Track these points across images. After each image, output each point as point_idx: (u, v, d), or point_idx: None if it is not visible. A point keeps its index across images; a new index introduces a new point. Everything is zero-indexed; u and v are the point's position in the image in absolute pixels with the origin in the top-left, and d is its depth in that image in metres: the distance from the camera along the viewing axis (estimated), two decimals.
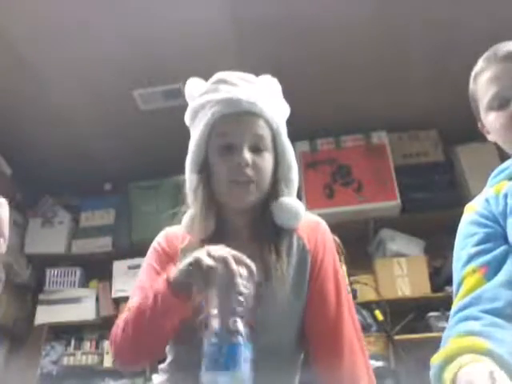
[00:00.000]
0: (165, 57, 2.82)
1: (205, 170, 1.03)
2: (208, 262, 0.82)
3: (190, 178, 1.06)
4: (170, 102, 3.11)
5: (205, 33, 2.67)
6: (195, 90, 1.11)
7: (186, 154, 1.11)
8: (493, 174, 1.09)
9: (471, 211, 1.03)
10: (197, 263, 0.83)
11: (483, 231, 0.97)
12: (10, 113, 3.15)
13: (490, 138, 1.08)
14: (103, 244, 3.65)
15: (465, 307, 0.89)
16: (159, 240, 1.11)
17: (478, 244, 0.95)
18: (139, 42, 2.70)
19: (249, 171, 0.98)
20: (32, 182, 3.70)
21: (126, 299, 3.32)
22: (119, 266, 3.49)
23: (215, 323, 0.79)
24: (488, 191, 1.05)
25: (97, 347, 3.45)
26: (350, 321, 1.01)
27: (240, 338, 0.78)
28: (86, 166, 3.69)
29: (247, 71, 1.11)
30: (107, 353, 3.35)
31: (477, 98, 1.07)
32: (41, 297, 3.53)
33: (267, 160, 1.02)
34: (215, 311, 0.80)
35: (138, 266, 3.37)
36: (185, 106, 1.14)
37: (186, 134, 1.31)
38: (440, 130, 3.49)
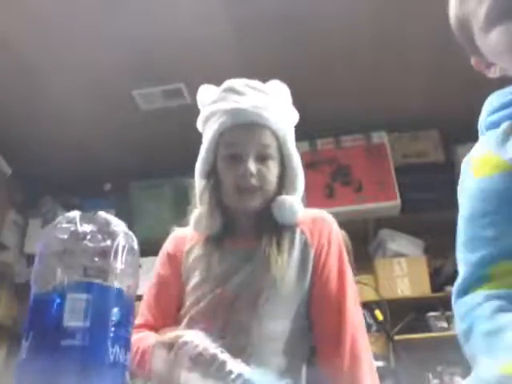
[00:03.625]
0: (165, 57, 2.82)
1: (213, 175, 1.10)
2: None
3: (198, 182, 1.13)
4: (169, 102, 3.11)
5: (205, 33, 2.67)
6: (206, 97, 1.15)
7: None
8: (490, 107, 0.81)
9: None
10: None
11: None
12: (10, 113, 3.15)
13: (493, 72, 0.83)
14: None
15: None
16: (166, 244, 1.17)
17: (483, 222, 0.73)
18: (139, 41, 2.70)
19: (253, 180, 1.04)
20: (32, 182, 3.70)
21: None
22: None
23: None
24: (489, 137, 0.78)
25: None
26: (354, 314, 1.04)
27: None
28: (86, 166, 3.70)
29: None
30: None
31: (467, 22, 0.80)
32: None
33: (272, 169, 1.08)
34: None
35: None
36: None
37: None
38: (440, 129, 3.49)
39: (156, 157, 3.55)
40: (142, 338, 1.01)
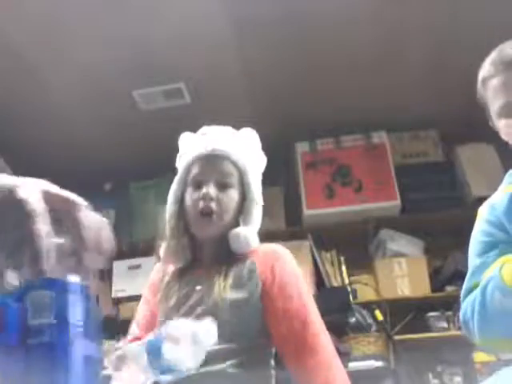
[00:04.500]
0: (165, 57, 2.82)
1: (180, 202, 1.23)
2: None
3: (168, 209, 1.25)
4: (170, 102, 3.10)
5: (205, 33, 2.66)
6: (184, 142, 1.31)
7: None
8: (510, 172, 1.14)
9: (481, 218, 1.13)
10: None
11: (485, 240, 1.08)
12: (10, 113, 3.15)
13: (503, 137, 1.14)
14: None
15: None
16: (152, 273, 1.32)
17: (480, 254, 1.08)
18: (139, 41, 2.70)
19: (213, 204, 1.15)
20: None
21: (125, 299, 3.36)
22: (119, 266, 3.48)
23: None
24: (498, 192, 1.12)
25: None
26: (323, 334, 1.11)
27: None
28: (86, 166, 3.69)
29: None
30: None
31: (486, 101, 1.13)
32: None
33: (231, 196, 1.18)
34: None
35: (138, 267, 3.37)
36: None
37: None
38: (440, 129, 3.49)
39: (156, 157, 3.55)
40: None
